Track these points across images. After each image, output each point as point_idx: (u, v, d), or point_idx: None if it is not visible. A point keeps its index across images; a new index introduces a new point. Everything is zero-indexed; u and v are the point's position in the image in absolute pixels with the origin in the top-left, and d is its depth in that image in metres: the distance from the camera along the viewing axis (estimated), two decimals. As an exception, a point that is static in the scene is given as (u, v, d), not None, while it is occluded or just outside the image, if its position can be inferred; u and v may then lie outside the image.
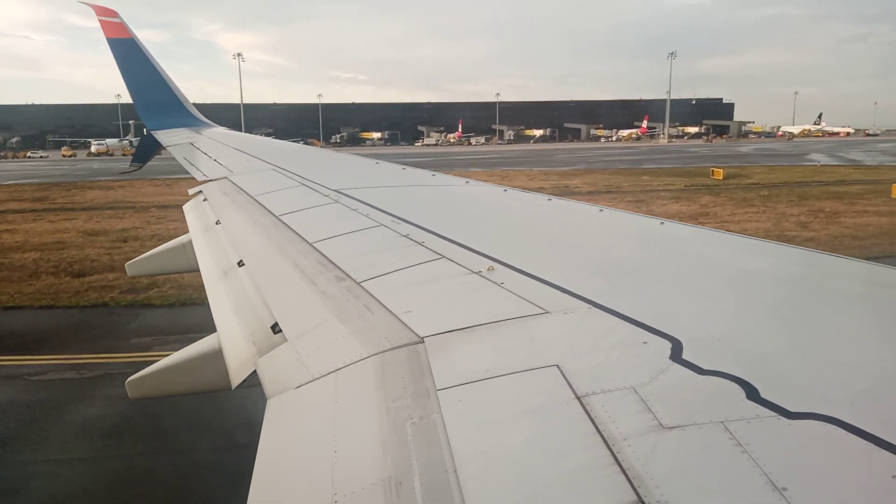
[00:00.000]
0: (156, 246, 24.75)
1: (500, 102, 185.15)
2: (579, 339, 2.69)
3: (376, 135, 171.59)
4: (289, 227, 5.65)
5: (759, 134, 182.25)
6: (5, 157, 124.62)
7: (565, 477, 1.85)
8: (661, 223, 5.03)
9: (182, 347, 4.20)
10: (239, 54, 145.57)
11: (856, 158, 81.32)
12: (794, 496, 1.61)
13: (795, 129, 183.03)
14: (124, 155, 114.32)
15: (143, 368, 4.20)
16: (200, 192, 9.00)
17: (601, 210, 5.73)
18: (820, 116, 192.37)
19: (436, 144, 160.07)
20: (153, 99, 17.50)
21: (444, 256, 4.10)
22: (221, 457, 10.47)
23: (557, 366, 2.43)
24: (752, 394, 2.06)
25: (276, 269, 4.70)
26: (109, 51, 16.81)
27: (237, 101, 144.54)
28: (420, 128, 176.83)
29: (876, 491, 1.62)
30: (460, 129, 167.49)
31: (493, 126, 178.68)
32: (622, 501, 1.68)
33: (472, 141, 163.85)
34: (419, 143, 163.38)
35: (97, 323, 17.59)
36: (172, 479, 9.90)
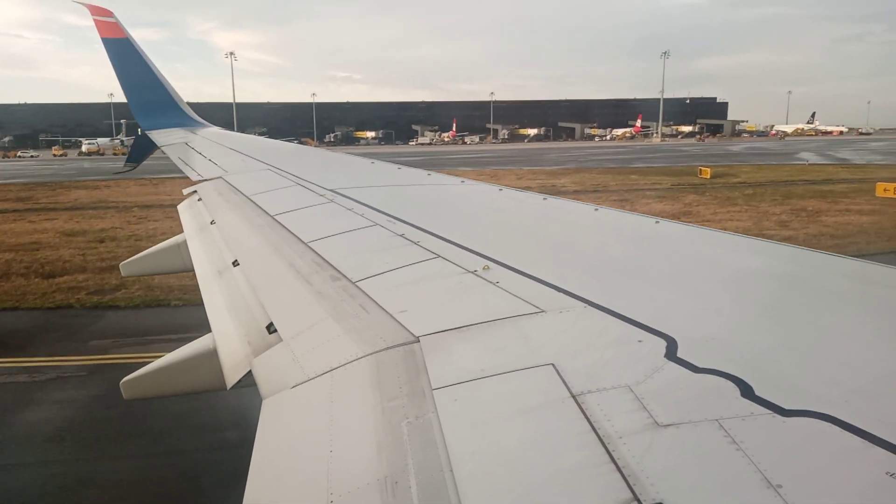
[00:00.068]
0: (132, 246, 24.69)
1: (495, 101, 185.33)
2: (575, 337, 2.69)
3: (370, 134, 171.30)
4: (284, 226, 5.64)
5: (752, 133, 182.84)
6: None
7: (561, 475, 1.85)
8: (657, 222, 5.04)
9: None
10: (231, 53, 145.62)
11: (845, 157, 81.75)
12: (788, 493, 1.61)
13: (789, 129, 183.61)
14: (115, 154, 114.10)
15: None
16: (195, 191, 8.97)
17: (596, 209, 5.74)
18: (813, 115, 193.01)
19: (430, 143, 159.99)
20: (148, 99, 17.46)
21: (439, 256, 4.10)
22: (162, 462, 10.43)
23: (553, 364, 2.43)
24: (746, 392, 2.07)
25: (271, 269, 4.69)
26: (104, 50, 16.78)
27: (231, 100, 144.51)
28: (414, 127, 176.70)
29: (870, 488, 1.63)
30: (454, 129, 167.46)
31: (488, 125, 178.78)
32: (618, 499, 1.68)
33: (467, 140, 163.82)
34: (413, 143, 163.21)
35: (59, 325, 17.51)
36: (107, 488, 9.80)
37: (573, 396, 2.19)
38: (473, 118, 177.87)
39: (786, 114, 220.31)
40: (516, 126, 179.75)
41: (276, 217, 6.03)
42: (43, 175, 71.16)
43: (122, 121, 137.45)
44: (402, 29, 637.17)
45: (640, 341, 2.54)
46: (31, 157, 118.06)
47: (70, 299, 19.26)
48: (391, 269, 3.96)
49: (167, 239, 8.22)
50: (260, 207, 6.69)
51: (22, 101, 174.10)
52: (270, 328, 3.60)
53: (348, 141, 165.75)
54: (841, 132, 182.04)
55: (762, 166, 67.39)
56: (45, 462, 10.49)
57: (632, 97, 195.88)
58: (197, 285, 5.14)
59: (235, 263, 5.10)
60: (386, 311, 3.27)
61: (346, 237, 5.03)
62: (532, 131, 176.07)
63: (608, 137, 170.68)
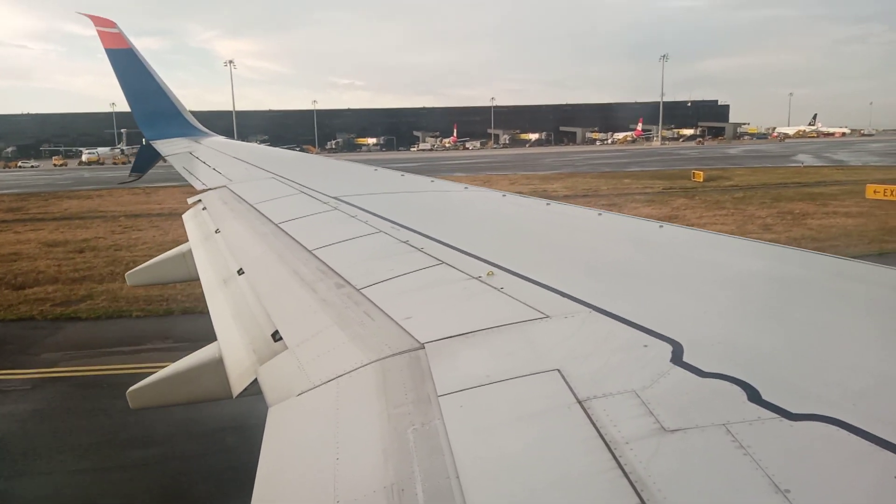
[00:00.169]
0: (110, 256, 24.85)
1: (496, 106, 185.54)
2: (580, 343, 2.69)
3: (371, 140, 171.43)
4: (288, 234, 5.65)
5: (753, 135, 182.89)
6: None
7: (568, 481, 1.85)
8: (661, 226, 5.04)
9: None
10: (230, 61, 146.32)
11: (842, 159, 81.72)
12: (797, 498, 1.61)
13: (790, 130, 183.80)
14: (115, 164, 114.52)
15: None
16: (199, 200, 9.00)
17: (600, 214, 5.74)
18: (815, 117, 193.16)
19: (431, 149, 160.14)
20: (152, 109, 17.57)
21: (443, 262, 4.10)
22: (78, 480, 10.36)
23: (558, 370, 2.43)
24: (753, 396, 2.07)
25: (276, 277, 4.70)
26: (107, 59, 16.88)
27: (234, 107, 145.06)
28: (416, 133, 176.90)
29: (879, 491, 1.62)
30: (455, 134, 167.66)
31: (489, 130, 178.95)
32: None
33: (468, 145, 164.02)
34: (415, 149, 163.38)
35: (15, 337, 17.51)
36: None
37: (579, 402, 2.19)
38: (475, 123, 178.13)
39: (787, 116, 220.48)
40: (517, 131, 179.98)
41: (280, 225, 6.05)
42: (38, 185, 71.21)
43: (122, 130, 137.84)
44: (403, 35, 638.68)
45: (645, 346, 2.54)
46: (32, 167, 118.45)
47: (33, 311, 19.32)
48: (396, 275, 3.97)
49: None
50: (264, 216, 6.70)
51: (25, 112, 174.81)
52: (276, 336, 3.61)
53: (349, 147, 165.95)
54: (843, 133, 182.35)
55: (757, 169, 67.50)
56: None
57: (633, 101, 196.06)
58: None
59: (240, 272, 5.11)
60: (391, 318, 3.27)
61: (350, 244, 5.03)
62: (533, 136, 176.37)
63: (609, 141, 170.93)
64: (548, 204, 6.49)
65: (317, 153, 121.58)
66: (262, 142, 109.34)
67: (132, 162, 22.52)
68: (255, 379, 3.30)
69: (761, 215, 34.29)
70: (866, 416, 1.90)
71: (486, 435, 2.16)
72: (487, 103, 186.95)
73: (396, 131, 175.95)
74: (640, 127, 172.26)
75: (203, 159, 13.26)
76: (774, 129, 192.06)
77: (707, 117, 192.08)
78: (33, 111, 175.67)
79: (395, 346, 2.93)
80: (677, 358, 2.39)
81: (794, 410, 1.97)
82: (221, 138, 18.48)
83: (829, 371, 2.29)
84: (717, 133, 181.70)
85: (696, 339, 2.54)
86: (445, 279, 3.81)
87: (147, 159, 18.21)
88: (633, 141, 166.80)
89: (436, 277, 3.87)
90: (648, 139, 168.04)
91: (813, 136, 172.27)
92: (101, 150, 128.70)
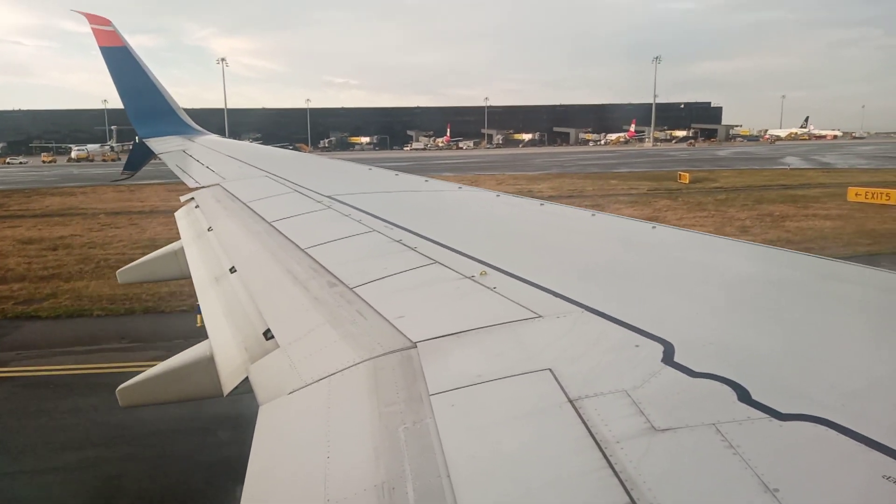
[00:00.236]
0: (83, 254, 24.82)
1: (489, 106, 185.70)
2: (572, 342, 2.70)
3: (365, 139, 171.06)
4: (281, 233, 5.64)
5: (745, 137, 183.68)
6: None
7: (559, 481, 1.85)
8: (653, 227, 5.06)
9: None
10: (223, 59, 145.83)
11: (829, 161, 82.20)
12: (785, 497, 1.62)
13: (782, 133, 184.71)
14: (104, 160, 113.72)
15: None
16: (192, 198, 8.97)
17: (593, 214, 5.76)
18: (807, 120, 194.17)
19: (424, 149, 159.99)
20: (146, 107, 17.54)
21: (436, 261, 4.10)
22: (9, 484, 10.27)
23: (550, 370, 2.43)
24: (743, 396, 2.08)
25: (269, 276, 4.69)
26: (102, 57, 16.83)
27: (229, 105, 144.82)
28: (409, 132, 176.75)
29: (867, 491, 1.63)
30: (448, 134, 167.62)
31: (483, 130, 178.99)
32: None
33: (462, 145, 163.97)
34: (408, 148, 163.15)
35: None
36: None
37: (570, 401, 2.19)
38: (469, 123, 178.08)
39: (780, 118, 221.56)
40: (511, 131, 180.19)
41: (273, 223, 6.03)
42: (24, 182, 70.58)
43: (113, 127, 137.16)
44: (399, 35, 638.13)
45: (637, 346, 2.55)
46: (20, 163, 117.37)
47: None
48: (388, 274, 3.97)
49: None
50: (257, 214, 6.69)
51: (17, 108, 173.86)
52: (267, 334, 3.60)
53: (343, 146, 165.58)
54: (835, 136, 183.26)
55: (743, 171, 67.91)
56: None
57: (627, 102, 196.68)
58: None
59: (233, 270, 5.10)
60: (383, 317, 3.27)
61: (343, 243, 5.03)
62: (526, 136, 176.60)
63: (602, 142, 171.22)
64: (541, 204, 6.51)
65: (310, 151, 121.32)
66: (255, 140, 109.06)
67: (122, 159, 22.44)
68: (247, 377, 3.29)
69: (740, 217, 34.58)
70: (855, 417, 1.92)
71: (477, 434, 2.17)
72: (482, 103, 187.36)
73: (390, 130, 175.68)
74: (632, 128, 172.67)
75: (196, 157, 13.22)
76: (766, 131, 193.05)
77: (700, 119, 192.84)
78: (27, 108, 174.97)
79: (387, 345, 2.93)
80: (668, 358, 2.40)
81: (783, 410, 1.98)
82: (215, 136, 18.45)
83: (818, 371, 2.30)
84: (709, 135, 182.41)
85: (687, 340, 2.55)
86: (438, 278, 3.81)
87: (140, 157, 18.19)
88: (626, 142, 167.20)
89: (429, 277, 3.87)
90: (641, 140, 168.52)
91: (805, 139, 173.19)
92: (90, 146, 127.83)
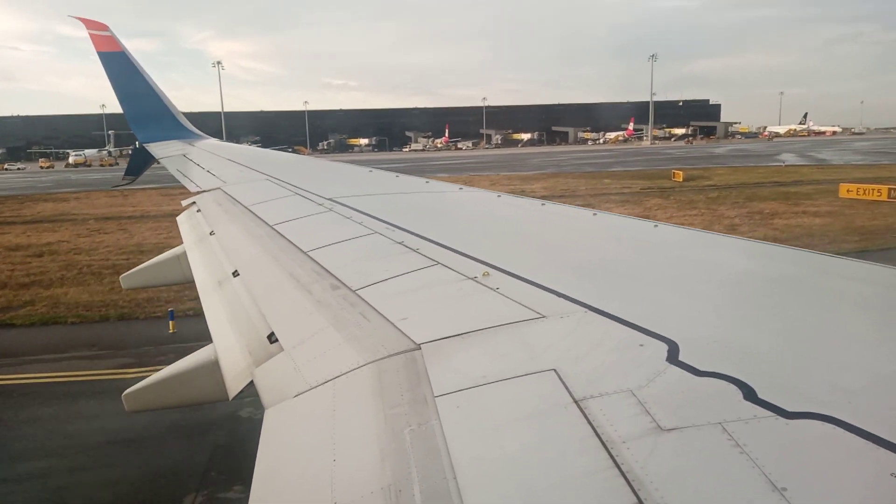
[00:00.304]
0: (68, 260, 24.61)
1: (488, 106, 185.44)
2: (576, 342, 2.70)
3: (364, 141, 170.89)
4: (283, 236, 5.65)
5: (744, 135, 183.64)
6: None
7: (565, 481, 1.85)
8: (656, 226, 5.07)
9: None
10: (218, 62, 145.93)
11: (824, 158, 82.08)
12: (793, 496, 1.62)
13: (781, 129, 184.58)
14: (102, 165, 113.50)
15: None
16: (194, 203, 8.98)
17: (595, 214, 5.77)
18: (805, 116, 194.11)
19: (423, 150, 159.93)
20: (145, 111, 17.54)
21: (439, 263, 4.11)
22: None
23: (555, 370, 2.43)
24: (749, 394, 2.08)
25: (272, 279, 4.69)
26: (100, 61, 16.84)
27: (226, 109, 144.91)
28: (408, 133, 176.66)
29: (876, 489, 1.63)
30: (447, 134, 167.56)
31: (481, 130, 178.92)
32: None
33: (460, 146, 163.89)
34: (407, 149, 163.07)
35: None
36: None
37: (575, 402, 2.19)
38: (467, 123, 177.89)
39: (779, 115, 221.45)
40: (509, 131, 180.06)
41: (275, 227, 6.04)
42: (19, 188, 70.13)
43: (110, 132, 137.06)
44: (397, 35, 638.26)
45: (641, 345, 2.55)
46: (18, 169, 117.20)
47: None
48: (391, 276, 3.97)
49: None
50: (259, 217, 6.69)
51: (15, 114, 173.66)
52: (272, 338, 3.60)
53: (341, 148, 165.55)
54: (834, 132, 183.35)
55: (738, 168, 67.84)
56: None
57: (626, 100, 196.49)
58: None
59: (235, 274, 5.10)
60: (386, 319, 3.27)
61: (345, 246, 5.03)
62: (525, 136, 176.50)
63: (601, 141, 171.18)
64: (543, 204, 6.51)
65: (308, 154, 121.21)
66: (254, 143, 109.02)
67: (119, 164, 22.36)
68: (252, 381, 3.30)
69: (730, 215, 34.55)
70: (862, 414, 1.91)
71: (482, 435, 2.17)
72: (481, 103, 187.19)
73: (389, 132, 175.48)
74: (631, 126, 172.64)
75: (197, 161, 13.24)
76: (765, 128, 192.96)
77: (699, 117, 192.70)
78: (25, 113, 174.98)
79: (391, 347, 2.93)
80: (673, 357, 2.40)
81: (789, 409, 1.98)
82: (215, 140, 18.48)
83: (824, 369, 2.30)
84: (708, 132, 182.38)
85: (691, 338, 2.55)
86: (441, 280, 3.81)
87: (140, 162, 18.18)
88: (625, 140, 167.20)
89: (431, 278, 3.87)
90: (640, 138, 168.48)
91: (803, 135, 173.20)
92: (88, 151, 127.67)
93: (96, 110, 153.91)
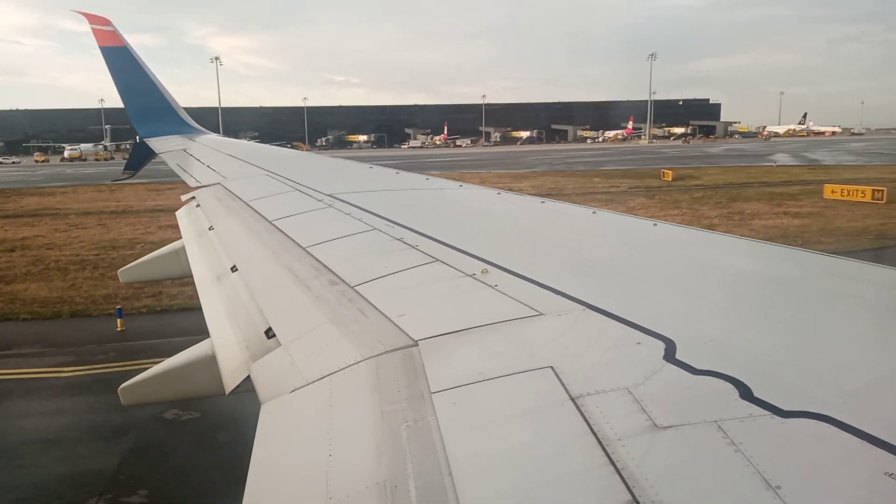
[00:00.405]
0: (38, 255, 24.28)
1: (487, 104, 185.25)
2: (573, 340, 2.70)
3: (362, 137, 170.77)
4: (282, 231, 5.64)
5: (743, 134, 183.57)
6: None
7: (560, 478, 1.86)
8: (654, 224, 5.07)
9: None
10: (216, 58, 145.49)
11: (817, 158, 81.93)
12: (787, 494, 1.62)
13: (780, 129, 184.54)
14: (97, 160, 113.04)
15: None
16: (193, 197, 8.97)
17: (594, 212, 5.77)
18: (805, 116, 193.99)
19: (422, 147, 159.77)
20: (146, 106, 17.56)
21: (437, 259, 4.11)
22: None
23: (552, 367, 2.44)
24: (745, 393, 2.08)
25: (270, 274, 4.69)
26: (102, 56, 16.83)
27: (227, 104, 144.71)
28: (407, 130, 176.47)
29: (869, 488, 1.64)
30: (446, 131, 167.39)
31: (480, 128, 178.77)
32: (617, 502, 1.69)
33: (459, 143, 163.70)
34: (405, 146, 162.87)
35: None
36: None
37: (572, 399, 2.20)
38: (467, 121, 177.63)
39: (779, 115, 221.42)
40: (508, 129, 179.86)
41: (274, 222, 6.03)
42: (9, 182, 69.02)
43: (107, 126, 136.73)
44: (399, 32, 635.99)
45: (638, 343, 2.55)
46: (13, 163, 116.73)
47: None
48: (390, 273, 3.97)
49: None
50: (258, 213, 6.69)
51: (14, 108, 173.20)
52: (269, 333, 3.60)
53: (340, 144, 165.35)
54: (833, 133, 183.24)
55: (729, 168, 67.76)
56: None
57: (626, 99, 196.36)
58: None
59: (234, 269, 5.10)
60: (385, 316, 3.27)
61: (344, 242, 5.03)
62: (524, 134, 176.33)
63: (600, 139, 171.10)
64: (542, 202, 6.52)
65: (307, 150, 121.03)
66: (253, 138, 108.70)
67: (115, 158, 22.18)
68: (248, 375, 3.30)
69: (710, 215, 34.56)
70: (857, 414, 1.92)
71: (479, 432, 2.17)
72: (480, 101, 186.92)
73: (388, 128, 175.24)
74: (630, 125, 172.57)
75: (197, 157, 13.23)
76: (765, 127, 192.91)
77: (698, 116, 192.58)
78: (26, 107, 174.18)
79: (388, 344, 2.94)
80: (670, 355, 2.40)
81: (785, 407, 1.98)
82: (215, 136, 18.49)
83: (820, 369, 2.31)
84: (708, 132, 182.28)
85: (688, 337, 2.56)
86: (439, 276, 3.81)
87: (141, 157, 18.17)
88: (624, 139, 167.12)
89: (430, 275, 3.87)
90: (639, 137, 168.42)
91: (803, 135, 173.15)
92: (83, 146, 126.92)
93: (96, 104, 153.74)
